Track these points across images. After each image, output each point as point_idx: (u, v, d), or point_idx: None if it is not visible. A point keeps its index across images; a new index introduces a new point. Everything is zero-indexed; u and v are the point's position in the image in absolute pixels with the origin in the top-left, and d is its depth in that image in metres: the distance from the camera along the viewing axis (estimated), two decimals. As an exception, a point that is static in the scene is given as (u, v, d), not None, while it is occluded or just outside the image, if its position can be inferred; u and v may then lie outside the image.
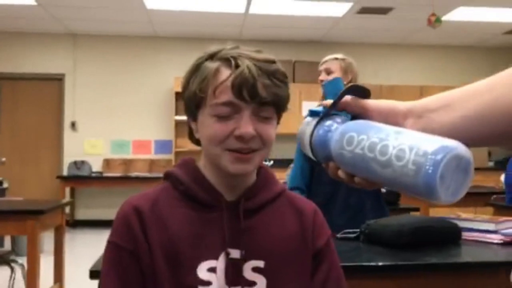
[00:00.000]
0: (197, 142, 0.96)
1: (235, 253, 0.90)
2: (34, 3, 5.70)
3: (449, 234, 1.84)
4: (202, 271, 0.87)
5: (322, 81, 2.36)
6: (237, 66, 0.86)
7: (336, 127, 0.66)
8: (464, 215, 2.05)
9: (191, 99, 0.90)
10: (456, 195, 0.54)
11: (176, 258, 0.88)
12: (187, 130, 0.98)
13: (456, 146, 0.52)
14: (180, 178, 0.94)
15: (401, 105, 0.63)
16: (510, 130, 0.52)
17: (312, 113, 0.71)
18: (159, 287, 0.87)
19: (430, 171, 0.51)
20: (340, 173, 0.64)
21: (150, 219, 0.89)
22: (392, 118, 0.62)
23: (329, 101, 0.69)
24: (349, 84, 0.69)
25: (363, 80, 7.93)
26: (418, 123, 0.59)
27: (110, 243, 0.91)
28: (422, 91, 7.14)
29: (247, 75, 0.84)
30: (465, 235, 1.91)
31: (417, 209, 3.62)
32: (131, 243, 0.88)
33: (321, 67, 2.41)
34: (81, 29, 6.90)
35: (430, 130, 0.57)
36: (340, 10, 5.90)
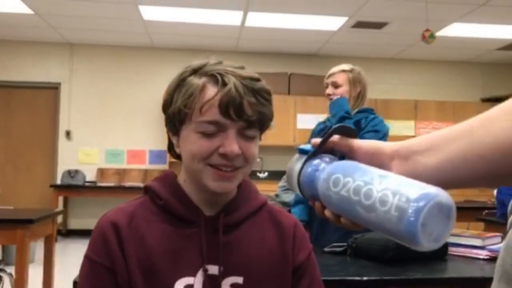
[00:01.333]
0: (177, 156, 0.96)
1: (213, 269, 0.89)
2: (31, 12, 5.73)
3: (436, 249, 1.85)
4: None
5: (329, 95, 2.30)
6: (223, 83, 0.85)
7: (324, 167, 0.66)
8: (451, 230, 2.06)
9: (175, 115, 0.89)
10: (439, 241, 0.55)
11: (153, 274, 0.87)
12: (167, 144, 0.97)
13: (438, 193, 0.53)
14: (159, 192, 0.93)
15: (386, 146, 0.64)
16: (489, 173, 0.53)
17: (301, 151, 0.71)
18: None
19: (412, 218, 0.52)
20: (327, 213, 0.65)
21: (127, 235, 0.89)
22: (377, 159, 0.63)
23: (317, 140, 0.70)
24: (336, 125, 0.69)
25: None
26: (404, 165, 0.60)
27: (86, 258, 0.90)
28: (417, 106, 7.18)
29: (234, 94, 0.84)
30: (452, 250, 1.92)
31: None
32: (108, 259, 0.88)
33: (328, 80, 2.34)
34: (78, 39, 6.93)
35: (416, 172, 0.59)
36: (335, 24, 5.95)
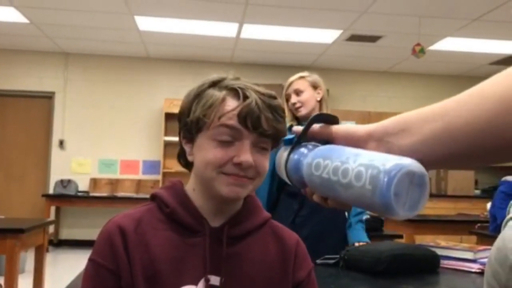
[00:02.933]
0: (185, 164, 0.97)
1: (215, 280, 0.90)
2: (27, 21, 5.73)
3: (428, 262, 1.85)
4: None
5: (294, 104, 2.26)
6: (245, 97, 0.89)
7: (306, 153, 0.69)
8: (443, 243, 2.06)
9: (193, 123, 0.91)
10: (414, 210, 0.56)
11: (156, 281, 0.88)
12: (178, 151, 0.99)
13: (409, 163, 0.55)
14: (166, 200, 0.94)
15: (361, 129, 0.65)
16: (461, 155, 0.54)
17: (286, 142, 0.74)
18: None
19: (384, 189, 0.54)
20: (315, 197, 0.67)
21: (133, 240, 0.89)
22: (353, 142, 0.65)
23: (299, 128, 0.72)
24: (315, 113, 0.71)
25: (352, 106, 8.00)
26: (379, 147, 0.62)
27: (91, 260, 0.91)
28: (410, 119, 7.22)
29: (253, 107, 0.88)
30: (444, 263, 1.92)
31: (400, 236, 3.62)
32: (113, 262, 0.88)
33: (289, 91, 2.30)
34: (73, 48, 6.94)
35: (391, 153, 0.59)
36: (330, 37, 5.99)
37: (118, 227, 0.90)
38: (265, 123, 0.89)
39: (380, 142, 0.61)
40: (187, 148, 0.95)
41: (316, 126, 0.71)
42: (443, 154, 0.55)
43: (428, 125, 0.56)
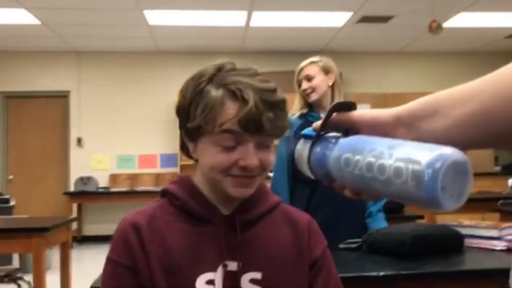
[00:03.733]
0: (191, 157, 0.97)
1: (232, 266, 0.91)
2: (38, 22, 5.78)
3: (451, 242, 1.83)
4: (201, 284, 0.88)
5: (305, 90, 2.22)
6: (243, 99, 0.86)
7: (331, 147, 0.66)
8: (466, 222, 2.04)
9: (194, 129, 0.90)
10: (461, 200, 0.54)
11: (175, 272, 0.89)
12: (180, 144, 0.98)
13: (450, 153, 0.52)
14: (176, 194, 0.96)
15: (387, 114, 0.62)
16: (497, 136, 0.52)
17: (305, 136, 0.72)
18: None
19: (430, 184, 0.51)
20: (346, 192, 0.65)
21: (147, 234, 0.91)
22: (380, 129, 0.62)
23: (318, 123, 0.70)
24: (334, 103, 0.69)
25: (366, 89, 7.93)
26: (409, 133, 0.59)
27: (109, 260, 0.93)
28: (426, 98, 7.13)
29: (253, 111, 0.85)
30: (468, 242, 1.90)
31: (421, 217, 3.60)
32: (130, 259, 0.90)
33: (300, 76, 2.25)
34: (85, 47, 6.98)
35: (422, 139, 0.57)
36: (340, 20, 5.92)
37: (132, 223, 0.92)
38: (267, 124, 0.87)
39: (410, 128, 0.59)
40: (190, 146, 0.95)
41: (335, 115, 0.68)
42: (479, 137, 0.53)
43: (461, 107, 0.54)
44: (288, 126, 0.94)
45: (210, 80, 0.90)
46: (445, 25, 5.95)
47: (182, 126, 0.95)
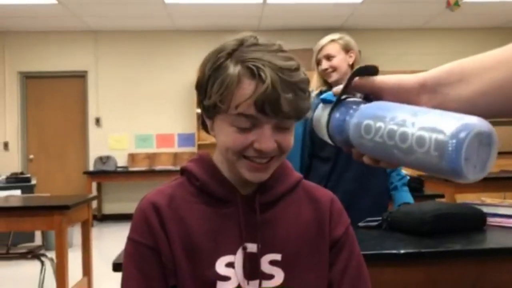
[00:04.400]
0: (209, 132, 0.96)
1: (252, 247, 0.90)
2: (55, 1, 5.78)
3: (473, 220, 1.81)
4: (221, 266, 0.88)
5: (326, 69, 2.17)
6: (260, 78, 0.81)
7: (351, 113, 0.65)
8: (488, 201, 2.02)
9: (210, 107, 0.87)
10: (484, 171, 0.53)
11: (195, 253, 0.88)
12: (201, 121, 0.97)
13: (475, 123, 0.51)
14: (196, 173, 0.94)
15: (411, 79, 0.60)
16: None
17: (324, 101, 0.70)
18: (181, 280, 0.88)
19: (453, 155, 0.50)
20: (365, 159, 0.63)
21: (168, 214, 0.90)
22: (403, 95, 0.60)
23: (339, 88, 0.68)
24: (357, 67, 0.67)
25: (385, 66, 7.79)
26: (433, 99, 0.57)
27: (130, 239, 0.92)
28: (446, 75, 7.00)
29: (270, 91, 0.80)
30: (490, 220, 1.87)
31: (442, 196, 3.56)
32: (151, 238, 0.89)
33: (319, 55, 2.20)
34: (101, 26, 6.98)
35: (446, 106, 0.55)
36: (359, -4, 5.81)
37: (152, 203, 0.91)
38: (285, 106, 0.81)
39: (434, 94, 0.57)
40: (208, 123, 0.92)
41: (357, 79, 0.66)
42: (505, 105, 0.51)
43: (488, 74, 0.52)
44: (309, 107, 0.88)
45: (230, 55, 0.85)
46: (466, 0, 5.80)
47: (200, 102, 0.92)
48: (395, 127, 0.56)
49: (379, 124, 0.58)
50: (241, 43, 0.86)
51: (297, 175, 1.00)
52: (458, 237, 1.66)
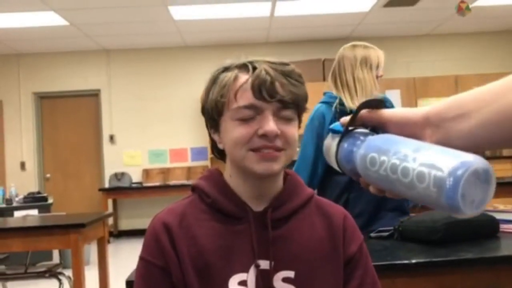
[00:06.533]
0: (219, 155, 0.98)
1: (264, 264, 0.90)
2: (67, 23, 5.90)
3: (486, 227, 1.79)
4: (233, 285, 0.88)
5: (381, 76, 2.16)
6: (254, 68, 0.89)
7: (358, 144, 0.67)
8: (501, 207, 2.00)
9: (212, 108, 0.92)
10: (482, 206, 0.55)
11: (207, 272, 0.88)
12: (210, 145, 1.00)
13: (472, 160, 0.53)
14: (207, 191, 0.95)
15: (416, 114, 0.63)
16: None
17: (333, 131, 0.73)
18: None
19: (451, 192, 0.52)
20: (371, 188, 0.66)
21: (179, 234, 0.90)
22: (409, 129, 0.63)
23: (346, 119, 0.70)
24: (362, 101, 0.70)
25: (395, 74, 7.76)
26: (437, 133, 0.60)
27: (141, 259, 0.93)
28: (457, 81, 6.95)
29: (264, 76, 0.87)
30: (503, 227, 1.85)
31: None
32: (161, 258, 0.90)
33: (381, 62, 2.19)
34: (113, 45, 7.09)
35: (449, 139, 0.58)
36: (366, 4, 5.83)
37: (163, 223, 0.92)
38: (281, 89, 0.88)
39: (437, 128, 0.60)
40: (215, 137, 0.96)
41: (365, 111, 0.69)
42: (504, 136, 0.53)
43: (487, 107, 0.54)
44: (306, 96, 0.93)
45: (226, 69, 0.93)
46: (475, 4, 5.78)
47: (206, 119, 0.97)
48: (397, 162, 0.59)
49: (383, 157, 0.61)
50: (237, 60, 0.94)
51: (309, 190, 1.00)
52: (470, 245, 1.65)
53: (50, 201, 5.55)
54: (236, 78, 0.90)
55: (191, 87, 7.21)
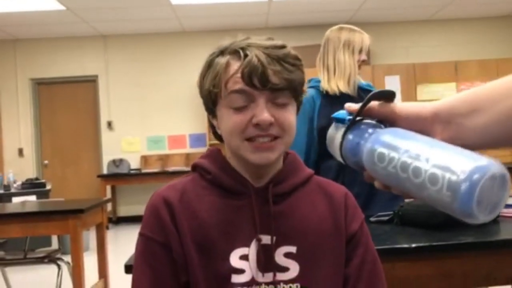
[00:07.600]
0: (220, 138, 0.97)
1: (266, 239, 0.89)
2: (63, 7, 5.84)
3: (486, 212, 1.79)
4: (235, 259, 0.87)
5: (364, 61, 2.11)
6: (245, 56, 0.86)
7: (366, 137, 0.65)
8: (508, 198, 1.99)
9: (207, 97, 0.92)
10: (496, 211, 0.53)
11: (208, 246, 0.88)
12: (209, 128, 1.00)
13: (489, 165, 0.50)
14: (207, 167, 0.95)
15: (426, 109, 0.61)
16: None
17: (337, 120, 0.70)
18: (192, 277, 0.87)
19: (466, 198, 0.50)
20: (376, 184, 0.64)
21: (179, 209, 0.90)
22: (418, 124, 0.61)
23: (352, 106, 0.68)
24: (375, 90, 0.67)
25: (394, 60, 7.73)
26: (448, 130, 0.58)
27: (141, 235, 0.92)
28: (457, 66, 6.93)
29: (255, 63, 0.84)
30: (503, 212, 1.85)
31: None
32: (162, 234, 0.89)
33: (365, 46, 2.11)
34: (111, 30, 7.03)
35: (461, 136, 0.56)
36: (366, -11, 5.78)
37: (163, 199, 0.91)
38: (273, 77, 0.85)
39: (448, 124, 0.58)
40: (214, 122, 0.95)
41: (374, 103, 0.66)
42: None
43: (500, 103, 0.53)
44: (302, 80, 0.90)
45: (221, 52, 0.91)
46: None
47: (205, 107, 0.96)
48: (408, 160, 0.56)
49: (393, 154, 0.59)
50: (232, 42, 0.91)
51: (309, 170, 1.00)
52: (470, 229, 1.64)
53: (48, 187, 5.55)
54: (227, 65, 0.88)
55: (189, 73, 7.17)
